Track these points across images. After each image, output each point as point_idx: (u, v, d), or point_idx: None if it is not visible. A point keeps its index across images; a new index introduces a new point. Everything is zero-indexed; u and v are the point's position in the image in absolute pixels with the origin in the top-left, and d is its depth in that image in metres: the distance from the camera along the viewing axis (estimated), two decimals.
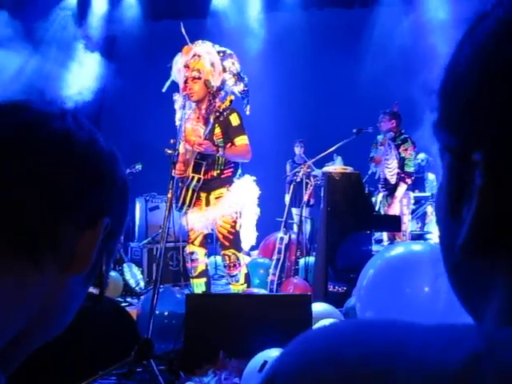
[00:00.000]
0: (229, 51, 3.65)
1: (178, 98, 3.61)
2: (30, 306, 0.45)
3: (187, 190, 3.53)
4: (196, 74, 3.47)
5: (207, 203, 3.59)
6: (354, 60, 8.55)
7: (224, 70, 3.55)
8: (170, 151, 3.01)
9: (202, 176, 3.47)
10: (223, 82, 3.56)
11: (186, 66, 3.51)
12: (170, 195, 2.91)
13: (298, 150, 7.49)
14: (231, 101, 3.57)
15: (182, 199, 3.55)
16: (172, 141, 3.05)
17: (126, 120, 8.70)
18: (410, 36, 8.32)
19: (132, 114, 8.71)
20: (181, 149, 3.61)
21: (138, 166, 5.87)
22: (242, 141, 3.51)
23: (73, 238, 0.47)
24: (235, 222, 3.54)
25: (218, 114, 3.49)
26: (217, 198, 3.56)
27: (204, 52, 3.50)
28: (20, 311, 0.45)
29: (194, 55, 3.51)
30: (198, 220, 3.54)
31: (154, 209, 5.87)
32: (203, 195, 3.60)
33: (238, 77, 3.60)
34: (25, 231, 0.44)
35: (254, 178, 3.72)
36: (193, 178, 3.48)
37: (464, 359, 0.26)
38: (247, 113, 3.65)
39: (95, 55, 8.25)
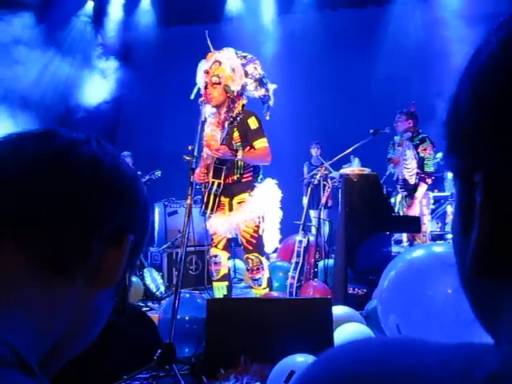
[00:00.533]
0: (250, 56, 3.67)
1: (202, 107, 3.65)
2: (65, 318, 0.48)
3: (209, 195, 3.57)
4: (216, 79, 3.51)
5: (230, 208, 3.62)
6: (370, 59, 8.50)
7: (246, 75, 3.57)
8: (188, 158, 3.03)
9: (221, 181, 3.51)
10: (244, 87, 3.58)
11: (206, 72, 3.54)
12: (189, 201, 2.93)
13: (314, 151, 7.48)
14: (243, 105, 3.59)
15: (204, 204, 3.60)
16: (190, 147, 3.08)
17: (143, 126, 8.79)
18: (424, 33, 8.25)
19: (149, 120, 8.79)
20: (204, 154, 3.66)
21: (158, 173, 5.94)
22: (261, 144, 3.52)
23: (101, 255, 0.50)
24: (258, 226, 3.56)
25: (231, 119, 3.52)
26: (239, 203, 3.59)
27: (224, 58, 3.54)
28: (57, 322, 0.48)
29: (215, 61, 3.55)
30: (222, 224, 3.58)
31: (172, 214, 5.91)
32: (225, 200, 3.63)
33: (260, 82, 3.61)
34: (60, 248, 0.47)
35: (276, 181, 3.73)
36: (213, 183, 3.52)
37: (482, 381, 0.27)
38: (267, 118, 3.66)
39: (112, 62, 8.35)
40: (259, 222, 3.56)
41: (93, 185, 0.50)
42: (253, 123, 3.51)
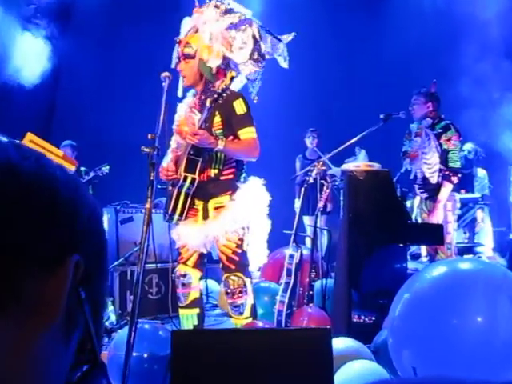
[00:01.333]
0: (248, 15, 3.61)
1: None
2: None
3: (178, 195, 3.54)
4: (189, 50, 3.50)
5: (205, 214, 3.61)
6: (380, 25, 8.60)
7: (255, 41, 3.50)
8: (147, 149, 3.02)
9: (196, 176, 3.49)
10: (227, 61, 3.56)
11: (178, 42, 3.55)
12: (148, 205, 2.92)
13: (309, 142, 7.51)
14: (232, 78, 3.56)
15: (171, 206, 3.55)
16: (150, 136, 3.06)
17: (88, 108, 8.70)
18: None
19: (96, 100, 8.71)
20: (173, 143, 3.64)
21: (105, 168, 5.90)
22: (248, 134, 3.52)
23: (37, 283, 0.50)
24: (242, 239, 3.56)
25: (215, 95, 3.48)
26: (217, 209, 3.58)
27: (202, 21, 3.51)
28: None
29: (193, 26, 3.54)
30: (194, 236, 3.56)
31: (126, 221, 5.88)
32: (199, 203, 3.61)
33: (259, 54, 3.55)
34: None
35: (263, 182, 3.74)
36: (185, 178, 3.49)
37: None
38: (254, 101, 3.66)
39: (46, 22, 8.25)
40: (243, 235, 3.55)
41: (5, 198, 0.50)
42: (239, 107, 3.50)
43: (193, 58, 3.51)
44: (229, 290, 3.61)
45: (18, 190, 0.50)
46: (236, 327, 3.63)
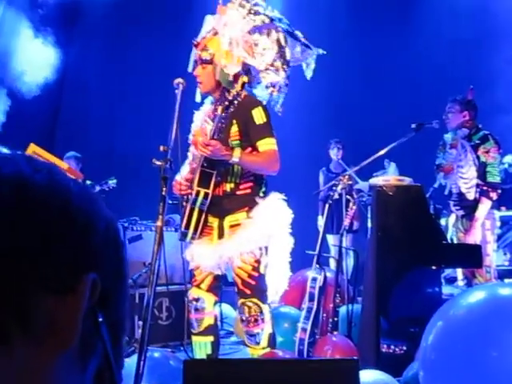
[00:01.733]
0: (275, 16, 3.62)
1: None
2: None
3: (192, 211, 3.54)
4: (206, 56, 3.52)
5: (220, 233, 3.61)
6: (409, 31, 8.61)
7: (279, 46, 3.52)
8: (159, 162, 3.05)
9: (210, 191, 3.48)
10: (248, 67, 3.57)
11: (195, 44, 3.57)
12: (159, 223, 2.95)
13: (334, 154, 7.52)
14: (243, 84, 3.54)
15: (184, 223, 3.54)
16: (162, 148, 3.09)
17: (93, 118, 8.81)
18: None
19: (102, 109, 8.81)
20: (190, 155, 3.65)
21: (112, 182, 5.93)
22: (267, 145, 3.51)
23: (48, 307, 0.51)
24: (259, 261, 3.53)
25: (226, 103, 3.46)
26: (232, 227, 3.56)
27: (222, 23, 3.53)
28: None
29: (212, 29, 3.56)
30: (208, 256, 3.55)
31: (135, 239, 5.92)
32: (214, 221, 3.61)
33: (284, 62, 3.56)
34: None
35: (284, 197, 3.71)
36: (198, 193, 3.49)
37: None
38: (278, 113, 3.64)
39: (52, 28, 8.38)
40: (261, 256, 3.53)
41: (16, 213, 0.50)
42: (259, 116, 3.49)
43: (210, 63, 3.53)
44: (244, 318, 3.59)
45: (26, 206, 0.51)
46: (253, 357, 3.62)
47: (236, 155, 3.41)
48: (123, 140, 8.03)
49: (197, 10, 3.79)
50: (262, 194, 3.63)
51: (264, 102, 3.60)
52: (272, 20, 3.63)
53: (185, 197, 3.59)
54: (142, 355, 2.80)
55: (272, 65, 3.57)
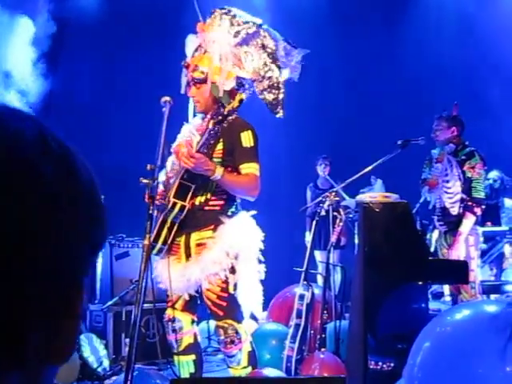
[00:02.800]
0: (258, 21, 3.59)
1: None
2: None
3: (163, 222, 3.46)
4: (199, 76, 3.49)
5: (187, 252, 3.53)
6: (395, 47, 8.69)
7: (263, 49, 3.51)
8: (146, 181, 3.04)
9: (186, 204, 3.41)
10: (240, 81, 3.56)
11: (185, 66, 3.54)
12: (147, 242, 2.94)
13: (321, 170, 7.55)
14: (241, 101, 3.50)
15: (154, 235, 3.36)
16: (150, 167, 3.08)
17: (80, 133, 8.77)
18: (473, 4, 8.44)
19: (88, 125, 8.79)
20: (168, 165, 3.62)
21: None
22: (250, 169, 3.47)
23: (46, 334, 0.51)
24: (226, 282, 3.45)
25: (220, 117, 3.41)
26: (198, 246, 3.49)
27: (211, 40, 3.51)
28: None
29: (199, 46, 3.54)
30: (177, 279, 3.46)
31: (122, 256, 5.90)
32: (181, 239, 3.53)
33: (275, 60, 3.52)
34: None
35: (253, 213, 3.64)
36: (174, 204, 3.42)
37: None
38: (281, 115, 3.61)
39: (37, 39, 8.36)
40: (227, 277, 3.44)
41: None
42: (247, 139, 3.46)
43: (204, 82, 3.49)
44: (220, 340, 3.54)
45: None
46: (240, 376, 3.59)
47: (218, 172, 3.35)
48: (109, 156, 8.01)
49: (185, 29, 3.78)
50: (229, 214, 3.54)
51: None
52: (256, 25, 3.59)
53: (157, 206, 3.42)
54: (129, 373, 2.79)
55: (264, 72, 3.54)
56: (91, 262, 0.55)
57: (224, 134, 3.46)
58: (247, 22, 3.60)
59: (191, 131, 3.62)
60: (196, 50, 3.58)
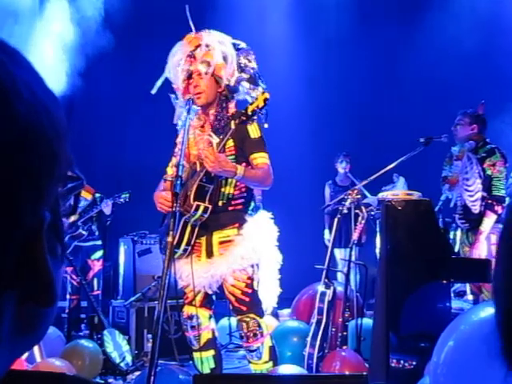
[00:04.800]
0: (243, 45, 3.69)
1: (178, 102, 3.67)
2: None
3: (185, 226, 3.47)
4: (205, 67, 3.51)
5: (208, 250, 3.56)
6: (419, 42, 8.62)
7: (241, 69, 3.57)
8: (170, 178, 3.06)
9: (209, 205, 3.43)
10: (238, 83, 3.60)
11: (191, 57, 3.55)
12: (170, 238, 2.95)
13: (342, 167, 7.52)
14: (265, 100, 3.44)
15: (177, 239, 3.35)
16: (172, 164, 3.10)
17: (101, 133, 8.84)
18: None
19: (110, 124, 8.85)
20: (169, 170, 3.63)
21: (125, 196, 5.96)
22: (261, 159, 3.51)
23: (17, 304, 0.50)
24: (251, 278, 3.52)
25: (243, 117, 3.37)
26: (222, 244, 3.53)
27: (215, 41, 3.56)
28: None
29: (198, 46, 3.56)
30: (198, 275, 3.49)
31: (144, 253, 5.93)
32: (202, 238, 3.56)
33: (254, 80, 3.59)
34: None
35: (271, 215, 3.73)
36: (197, 207, 3.42)
37: None
38: (265, 125, 3.64)
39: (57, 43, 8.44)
40: (253, 273, 3.52)
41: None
42: (254, 131, 3.51)
43: (210, 74, 3.51)
44: (243, 334, 3.57)
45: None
46: (263, 373, 3.61)
47: (240, 172, 3.37)
48: (131, 154, 8.06)
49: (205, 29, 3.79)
50: (250, 212, 3.62)
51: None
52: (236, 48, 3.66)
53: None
54: (152, 369, 2.81)
55: (251, 83, 3.59)
56: (54, 194, 0.53)
57: (234, 131, 3.45)
58: (238, 44, 3.67)
59: (196, 132, 3.59)
60: (197, 47, 3.56)
